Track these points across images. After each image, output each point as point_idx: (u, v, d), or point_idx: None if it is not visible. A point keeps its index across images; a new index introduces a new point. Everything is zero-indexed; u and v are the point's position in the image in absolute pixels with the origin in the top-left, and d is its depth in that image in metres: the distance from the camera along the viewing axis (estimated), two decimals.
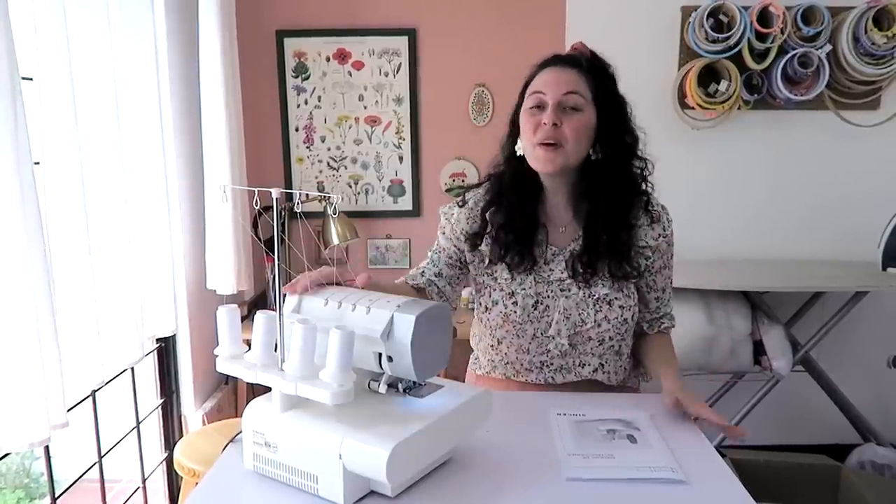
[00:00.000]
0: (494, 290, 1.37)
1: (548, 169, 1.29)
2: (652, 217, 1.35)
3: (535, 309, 1.34)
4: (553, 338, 1.33)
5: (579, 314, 1.33)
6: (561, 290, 1.34)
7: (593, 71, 1.30)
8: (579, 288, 1.33)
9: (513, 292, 1.35)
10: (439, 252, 1.44)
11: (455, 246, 1.42)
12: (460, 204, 1.43)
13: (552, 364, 1.36)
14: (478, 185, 1.45)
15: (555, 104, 1.25)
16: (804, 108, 2.78)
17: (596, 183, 1.31)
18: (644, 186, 1.36)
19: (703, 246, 2.93)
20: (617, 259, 1.32)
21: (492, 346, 1.41)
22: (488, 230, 1.38)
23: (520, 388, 1.40)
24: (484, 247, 1.39)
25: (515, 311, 1.34)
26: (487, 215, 1.38)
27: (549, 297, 1.34)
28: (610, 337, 1.35)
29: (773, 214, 2.92)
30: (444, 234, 1.45)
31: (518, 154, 1.34)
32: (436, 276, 1.42)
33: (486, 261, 1.39)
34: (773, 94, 2.74)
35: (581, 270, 1.32)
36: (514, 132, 1.36)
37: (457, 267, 1.43)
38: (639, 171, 1.35)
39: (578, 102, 1.26)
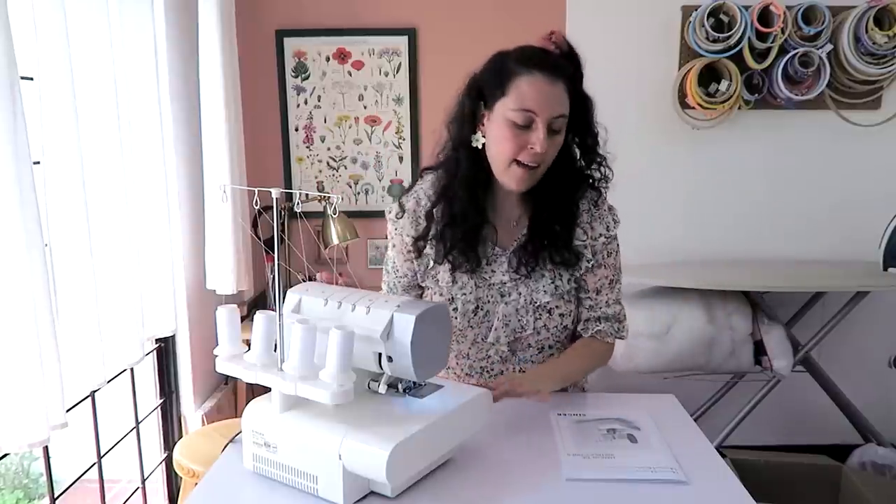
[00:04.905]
0: (435, 293, 1.34)
1: (521, 189, 1.26)
2: (593, 215, 1.32)
3: (475, 315, 1.32)
4: (493, 344, 1.32)
5: (518, 321, 1.31)
6: (501, 294, 1.31)
7: (573, 76, 1.23)
8: (520, 294, 1.30)
9: (453, 297, 1.32)
10: (395, 274, 1.40)
11: (409, 261, 1.37)
12: (398, 216, 1.36)
13: (492, 369, 1.36)
14: (410, 189, 1.38)
15: (546, 128, 1.18)
16: (805, 107, 2.77)
17: (550, 179, 1.27)
18: (602, 182, 1.33)
19: (704, 246, 2.92)
20: (557, 246, 1.29)
21: None
22: (432, 232, 1.32)
23: None
24: (429, 250, 1.34)
25: (455, 317, 1.31)
26: (435, 212, 1.32)
27: (489, 302, 1.31)
28: (549, 345, 1.34)
29: (774, 214, 2.91)
30: (395, 247, 1.39)
31: (474, 145, 1.26)
32: None
33: (431, 263, 1.34)
34: (773, 94, 2.74)
35: (524, 262, 1.29)
36: (472, 119, 1.26)
37: (415, 287, 1.40)
38: (597, 165, 1.32)
39: (563, 125, 1.21)
